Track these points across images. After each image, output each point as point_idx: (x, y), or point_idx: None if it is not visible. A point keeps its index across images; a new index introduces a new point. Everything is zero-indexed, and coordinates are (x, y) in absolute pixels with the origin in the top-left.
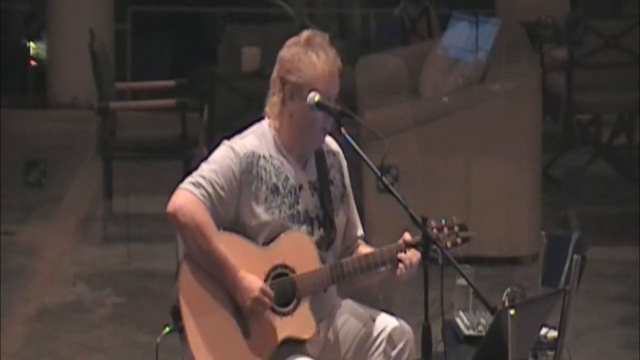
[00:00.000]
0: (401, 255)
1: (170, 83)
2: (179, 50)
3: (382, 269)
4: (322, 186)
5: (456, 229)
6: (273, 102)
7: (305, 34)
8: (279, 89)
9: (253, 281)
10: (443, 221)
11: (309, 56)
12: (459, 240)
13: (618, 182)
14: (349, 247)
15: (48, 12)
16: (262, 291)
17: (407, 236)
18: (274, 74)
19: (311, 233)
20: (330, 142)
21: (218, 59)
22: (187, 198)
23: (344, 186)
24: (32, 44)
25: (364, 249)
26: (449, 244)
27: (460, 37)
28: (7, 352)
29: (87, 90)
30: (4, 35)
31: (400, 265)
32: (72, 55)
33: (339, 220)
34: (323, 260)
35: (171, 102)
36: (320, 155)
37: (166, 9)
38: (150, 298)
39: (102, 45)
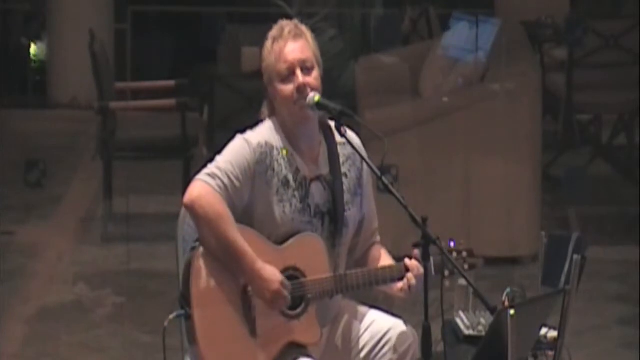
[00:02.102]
0: (408, 274)
1: (170, 83)
2: (179, 50)
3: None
4: (335, 180)
5: (464, 254)
6: (266, 104)
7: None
8: (266, 94)
9: (273, 273)
10: (452, 244)
11: (266, 51)
12: (466, 267)
13: (618, 182)
14: (367, 241)
15: (48, 12)
16: (283, 284)
17: (415, 253)
18: None
19: (322, 227)
20: (349, 135)
21: (218, 59)
22: (204, 189)
23: (359, 180)
24: (32, 44)
25: (383, 254)
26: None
27: (460, 37)
28: (7, 352)
29: (87, 90)
30: (4, 35)
31: (401, 283)
32: (72, 55)
33: (351, 214)
34: (333, 258)
35: (171, 102)
36: (333, 148)
37: (166, 9)
38: (150, 298)
39: (102, 45)
